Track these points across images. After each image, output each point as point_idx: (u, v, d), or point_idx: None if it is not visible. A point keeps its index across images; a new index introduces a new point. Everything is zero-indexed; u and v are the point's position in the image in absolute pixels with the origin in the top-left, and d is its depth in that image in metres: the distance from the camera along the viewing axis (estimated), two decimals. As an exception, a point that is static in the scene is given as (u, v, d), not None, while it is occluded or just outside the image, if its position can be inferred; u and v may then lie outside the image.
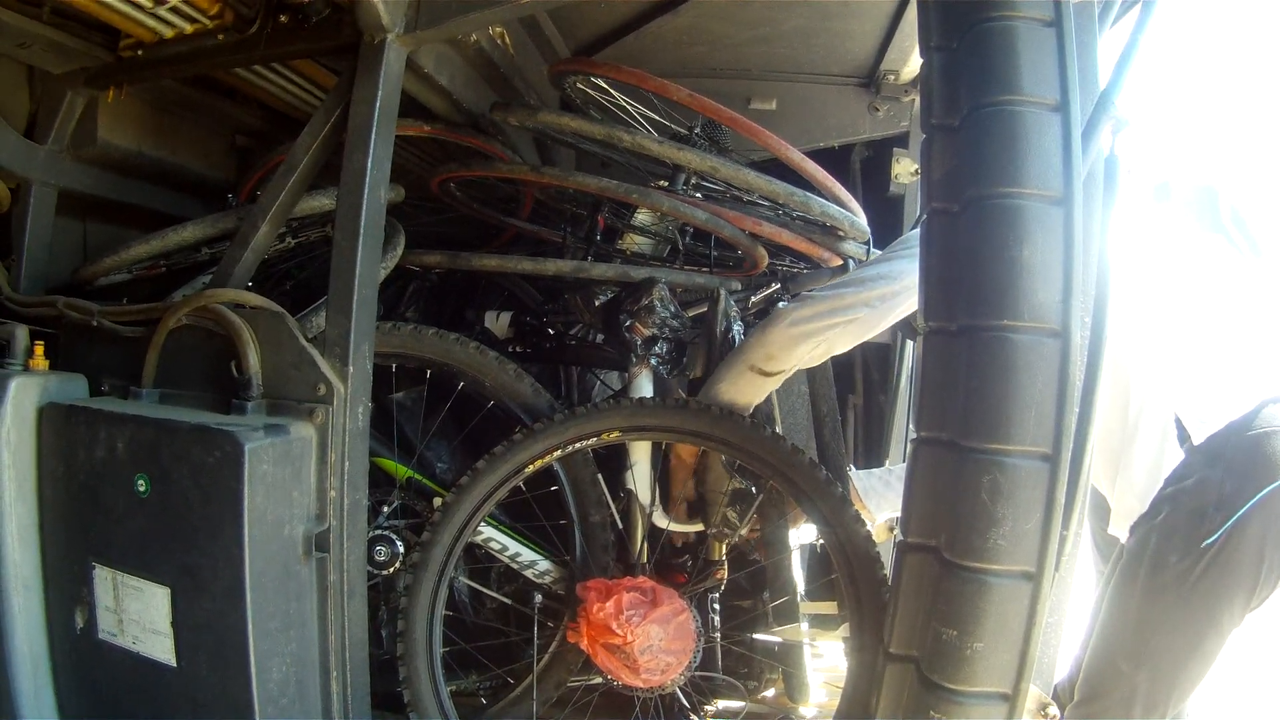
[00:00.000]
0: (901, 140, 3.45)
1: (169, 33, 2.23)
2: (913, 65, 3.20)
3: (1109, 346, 1.51)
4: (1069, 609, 1.62)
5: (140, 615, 1.81)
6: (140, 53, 2.31)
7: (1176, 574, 2.05)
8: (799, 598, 2.56)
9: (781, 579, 2.55)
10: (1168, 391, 2.20)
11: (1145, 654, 2.11)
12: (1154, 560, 2.10)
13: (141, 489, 1.77)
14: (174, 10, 2.14)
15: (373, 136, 1.86)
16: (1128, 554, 2.18)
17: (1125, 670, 2.13)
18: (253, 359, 1.83)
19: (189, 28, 2.22)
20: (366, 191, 1.85)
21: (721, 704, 2.69)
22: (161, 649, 1.79)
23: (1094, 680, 2.19)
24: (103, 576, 1.84)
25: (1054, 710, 1.58)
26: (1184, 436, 2.15)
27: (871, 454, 3.62)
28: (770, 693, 2.79)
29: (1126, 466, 2.24)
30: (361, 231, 1.84)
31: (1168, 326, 2.23)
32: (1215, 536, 2.00)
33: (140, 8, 2.11)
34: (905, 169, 3.37)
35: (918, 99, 3.31)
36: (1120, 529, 2.26)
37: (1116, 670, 2.15)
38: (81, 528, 1.89)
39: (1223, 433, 2.10)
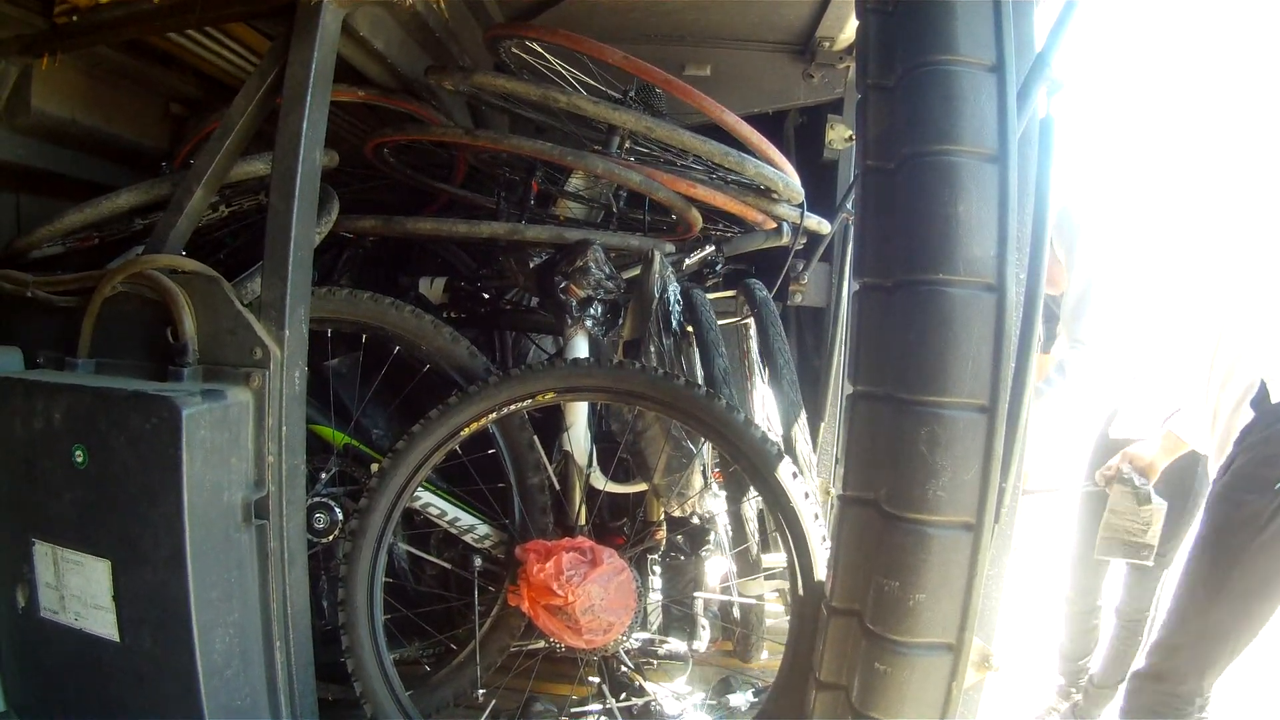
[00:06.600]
0: (836, 106, 3.48)
1: (105, -4, 2.16)
2: (848, 32, 3.22)
3: (1043, 300, 1.54)
4: (1009, 561, 1.66)
5: (81, 590, 1.78)
6: (75, 18, 2.24)
7: (1250, 512, 2.33)
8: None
9: (744, 531, 2.59)
10: (1255, 353, 2.47)
11: (1225, 586, 2.38)
12: (1229, 501, 2.41)
13: (79, 460, 1.73)
14: (109, -28, 2.08)
15: (308, 98, 1.83)
16: (1207, 501, 2.51)
17: (1202, 601, 2.42)
18: (188, 324, 1.80)
19: (124, -9, 2.16)
20: (302, 154, 1.82)
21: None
22: (104, 624, 1.76)
23: (1175, 613, 2.49)
24: (42, 552, 1.81)
25: (995, 661, 1.61)
26: (1260, 398, 2.41)
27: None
28: (708, 650, 2.81)
29: (1219, 427, 2.57)
30: (297, 194, 1.81)
31: (1261, 290, 2.51)
32: None
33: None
34: (839, 135, 3.41)
35: (852, 66, 3.35)
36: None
37: (1196, 601, 2.44)
38: (20, 503, 1.84)
39: None
